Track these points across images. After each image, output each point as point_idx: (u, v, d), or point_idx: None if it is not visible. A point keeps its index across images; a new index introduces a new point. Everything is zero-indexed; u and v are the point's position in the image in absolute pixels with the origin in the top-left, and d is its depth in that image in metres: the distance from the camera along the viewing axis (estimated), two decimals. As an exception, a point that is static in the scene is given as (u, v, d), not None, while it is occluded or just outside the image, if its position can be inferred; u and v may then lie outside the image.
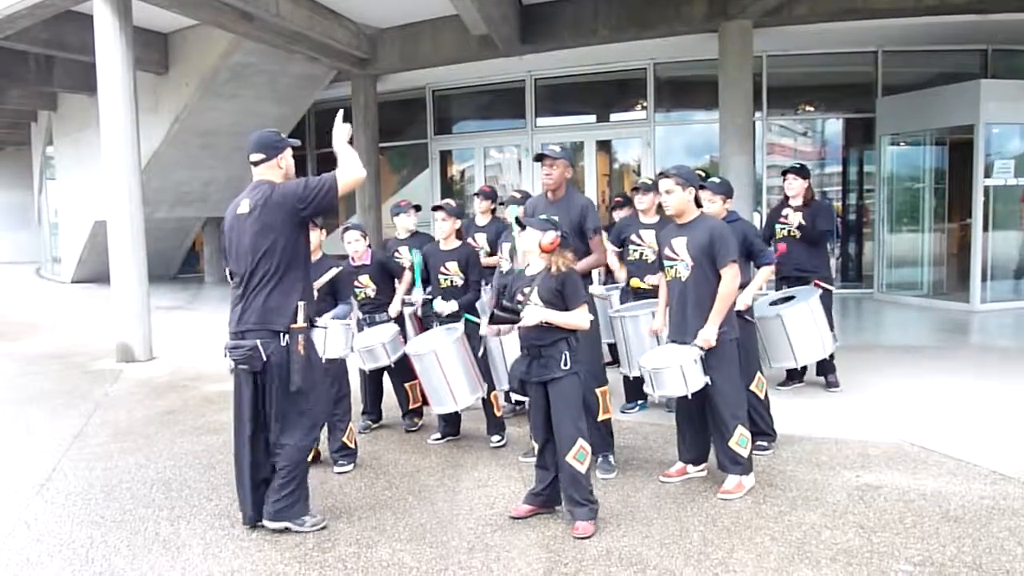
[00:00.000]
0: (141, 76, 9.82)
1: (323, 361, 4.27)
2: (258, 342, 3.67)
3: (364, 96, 12.78)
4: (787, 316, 5.58)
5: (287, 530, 3.81)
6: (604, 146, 13.58)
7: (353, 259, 5.47)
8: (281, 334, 3.70)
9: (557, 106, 13.70)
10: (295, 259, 3.77)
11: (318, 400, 3.96)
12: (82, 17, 10.02)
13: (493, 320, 3.84)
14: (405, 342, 5.43)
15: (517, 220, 4.97)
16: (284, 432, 3.78)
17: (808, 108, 12.64)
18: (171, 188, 14.18)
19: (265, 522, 3.83)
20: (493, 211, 6.47)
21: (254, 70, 12.21)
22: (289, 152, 3.91)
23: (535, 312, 3.76)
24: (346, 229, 5.48)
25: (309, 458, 3.89)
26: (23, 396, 7.01)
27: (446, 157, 14.71)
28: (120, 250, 8.51)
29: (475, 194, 6.66)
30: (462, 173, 14.81)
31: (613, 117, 13.56)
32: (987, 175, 10.25)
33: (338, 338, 4.58)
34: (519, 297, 3.90)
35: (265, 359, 3.68)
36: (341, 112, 3.95)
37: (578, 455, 3.77)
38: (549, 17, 10.76)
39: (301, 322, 3.75)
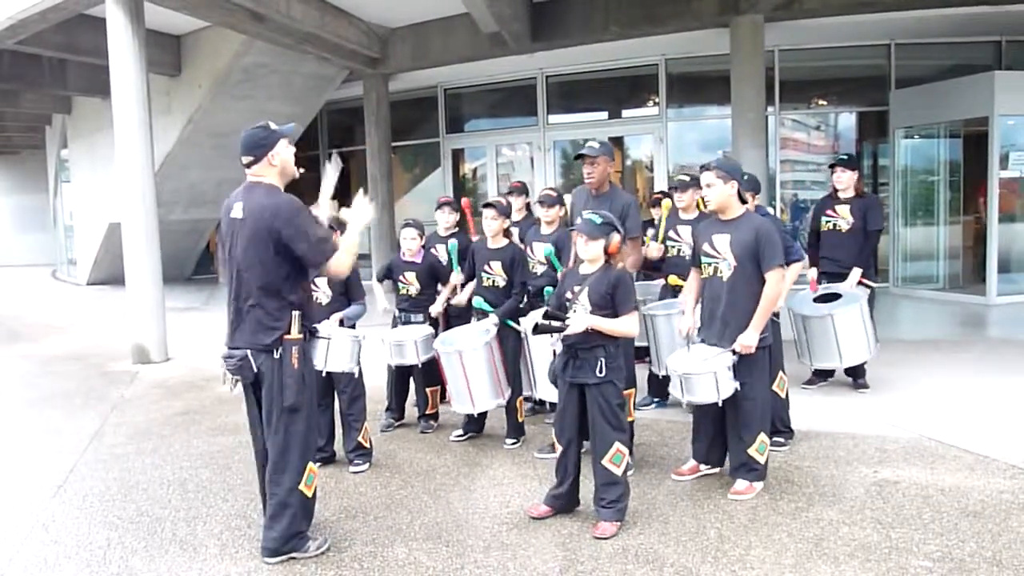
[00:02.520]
0: (154, 78, 9.87)
1: (323, 374, 4.06)
2: (248, 352, 3.46)
3: (376, 95, 12.81)
4: (838, 316, 5.45)
5: (292, 559, 3.53)
6: (616, 143, 13.48)
7: (404, 255, 5.50)
8: (274, 348, 3.46)
9: (569, 103, 13.66)
10: (288, 275, 3.50)
11: (309, 425, 3.58)
12: (95, 20, 10.07)
13: (537, 330, 3.74)
14: None
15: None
16: (276, 465, 3.50)
17: (821, 102, 12.54)
18: (185, 189, 14.24)
19: (264, 559, 3.53)
20: (527, 206, 6.24)
21: (266, 71, 12.24)
22: (282, 144, 3.59)
23: (582, 320, 3.69)
24: (406, 225, 5.51)
25: (304, 486, 3.54)
26: (41, 397, 7.07)
27: (458, 155, 14.69)
28: (135, 252, 8.56)
29: (507, 193, 6.33)
30: (474, 171, 14.81)
31: (625, 113, 13.51)
32: (1002, 167, 10.15)
33: (343, 350, 4.26)
34: (568, 295, 3.83)
35: (256, 371, 3.47)
36: (360, 191, 3.68)
37: (614, 458, 3.73)
38: (560, 14, 10.73)
39: (296, 333, 3.49)
